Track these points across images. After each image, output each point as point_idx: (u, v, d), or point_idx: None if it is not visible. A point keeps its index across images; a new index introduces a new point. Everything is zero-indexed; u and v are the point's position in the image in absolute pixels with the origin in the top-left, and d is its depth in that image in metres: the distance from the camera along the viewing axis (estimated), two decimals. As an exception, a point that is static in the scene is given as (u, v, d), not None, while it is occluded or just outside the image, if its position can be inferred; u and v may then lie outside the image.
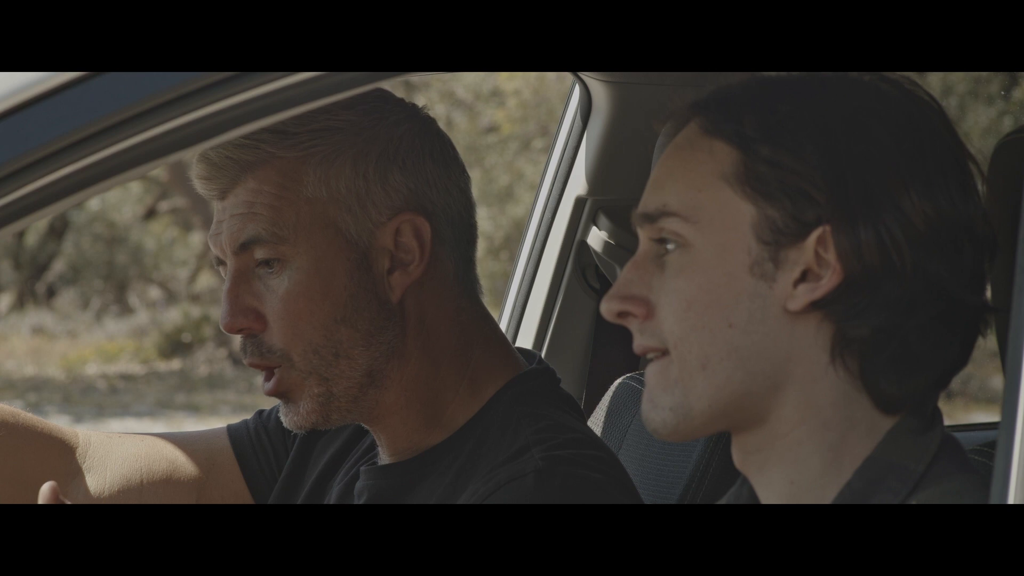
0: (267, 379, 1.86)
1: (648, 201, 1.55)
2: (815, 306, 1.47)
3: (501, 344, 1.92)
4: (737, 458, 1.55)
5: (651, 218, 1.54)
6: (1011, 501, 1.36)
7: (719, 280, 1.49)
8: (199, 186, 1.85)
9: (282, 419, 1.88)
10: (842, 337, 1.47)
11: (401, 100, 1.90)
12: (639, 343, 1.54)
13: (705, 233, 1.50)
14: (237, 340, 1.89)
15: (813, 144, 1.48)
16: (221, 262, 1.88)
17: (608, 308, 1.54)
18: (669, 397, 1.51)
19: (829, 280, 1.47)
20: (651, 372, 1.53)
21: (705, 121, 1.53)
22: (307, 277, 1.82)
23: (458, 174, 1.90)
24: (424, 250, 1.85)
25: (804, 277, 1.48)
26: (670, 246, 1.52)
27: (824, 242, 1.47)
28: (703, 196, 1.51)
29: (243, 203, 1.83)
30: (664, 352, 1.52)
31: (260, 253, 1.83)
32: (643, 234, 1.55)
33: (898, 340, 1.47)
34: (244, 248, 1.83)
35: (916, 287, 1.47)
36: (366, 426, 1.92)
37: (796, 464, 1.50)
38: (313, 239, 1.82)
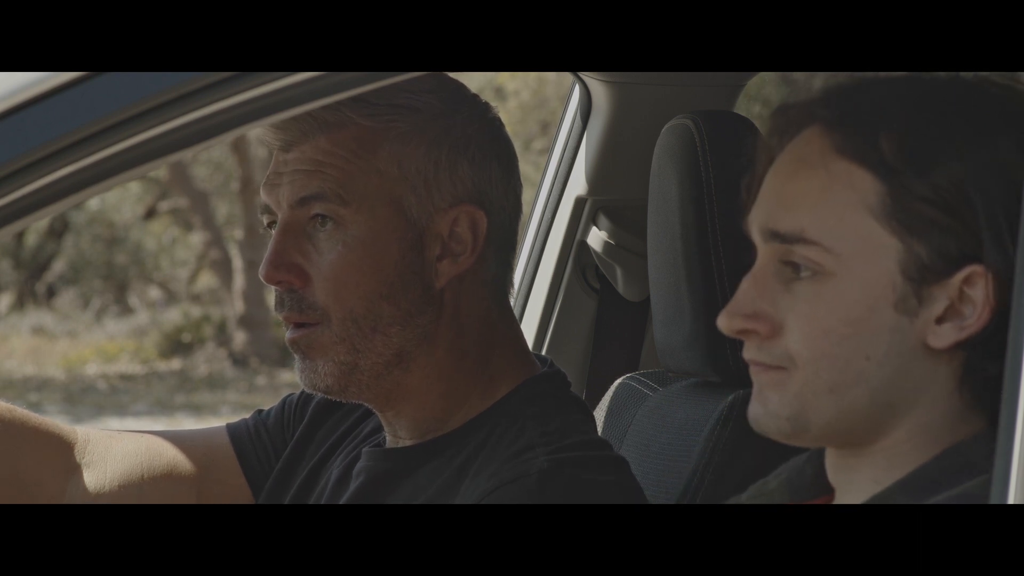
0: (295, 328, 1.86)
1: (779, 219, 1.49)
2: (959, 345, 1.45)
3: (521, 347, 1.94)
4: (830, 465, 1.54)
5: (783, 239, 1.48)
6: (1011, 501, 1.36)
7: (861, 313, 1.45)
8: (265, 132, 1.86)
9: (297, 376, 1.89)
10: (976, 369, 1.45)
11: (476, 97, 1.94)
12: (753, 357, 1.51)
13: (848, 265, 1.46)
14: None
15: (954, 171, 1.42)
16: (268, 211, 1.89)
17: (729, 325, 1.50)
18: (788, 408, 1.49)
19: (978, 320, 1.44)
20: (765, 378, 1.50)
21: (835, 138, 1.47)
22: (361, 246, 1.84)
23: (516, 181, 1.93)
24: (477, 243, 1.87)
25: (946, 314, 1.45)
26: (804, 272, 1.48)
27: (972, 281, 1.44)
28: (846, 228, 1.46)
29: (311, 160, 1.85)
30: (781, 367, 1.49)
31: (319, 208, 1.84)
32: (767, 249, 1.50)
33: None
34: (303, 203, 1.84)
35: None
36: (379, 409, 1.92)
37: (888, 470, 1.49)
38: (375, 211, 1.84)
